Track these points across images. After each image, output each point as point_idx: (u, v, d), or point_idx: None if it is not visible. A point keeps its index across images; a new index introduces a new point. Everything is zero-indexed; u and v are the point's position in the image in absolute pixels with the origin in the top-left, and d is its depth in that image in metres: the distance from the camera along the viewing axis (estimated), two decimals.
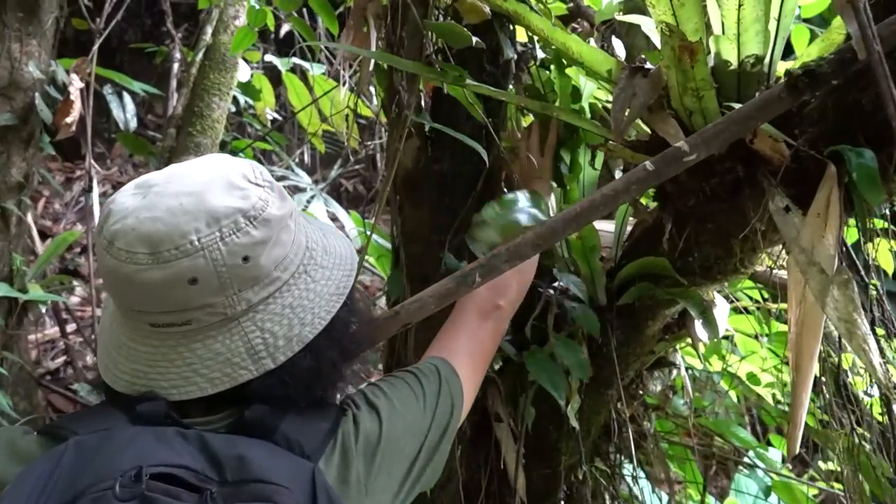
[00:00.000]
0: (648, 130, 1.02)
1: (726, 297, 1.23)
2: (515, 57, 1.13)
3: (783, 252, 1.12)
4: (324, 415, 0.67)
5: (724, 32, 0.83)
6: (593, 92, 1.10)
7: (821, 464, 1.66)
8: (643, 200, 1.11)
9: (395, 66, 1.00)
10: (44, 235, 3.19)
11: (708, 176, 0.91)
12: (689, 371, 1.42)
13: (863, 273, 0.82)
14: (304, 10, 1.65)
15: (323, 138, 2.29)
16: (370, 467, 0.66)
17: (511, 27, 1.12)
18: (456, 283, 0.83)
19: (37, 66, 1.78)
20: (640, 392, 1.37)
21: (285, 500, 0.56)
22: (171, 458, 0.56)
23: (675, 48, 0.78)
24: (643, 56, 0.90)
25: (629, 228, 1.19)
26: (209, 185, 0.63)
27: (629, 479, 1.38)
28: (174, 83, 2.49)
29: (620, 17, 1.01)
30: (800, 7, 1.13)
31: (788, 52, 0.94)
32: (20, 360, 2.08)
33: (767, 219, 0.87)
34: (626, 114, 0.87)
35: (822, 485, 1.57)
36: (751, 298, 1.39)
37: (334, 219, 2.23)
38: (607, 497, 1.31)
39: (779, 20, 0.81)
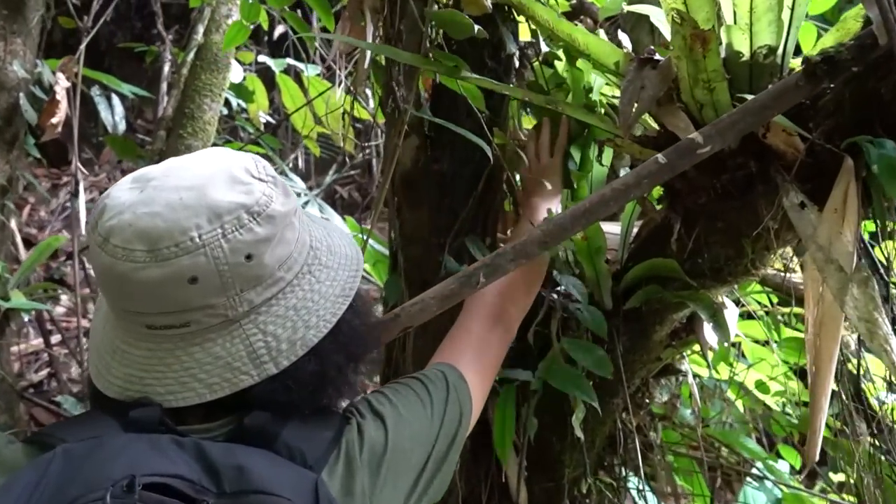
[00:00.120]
0: (656, 126, 1.00)
1: (736, 302, 1.21)
2: (517, 52, 1.11)
3: (794, 254, 1.10)
4: (327, 423, 0.65)
5: (735, 22, 0.82)
6: (599, 87, 1.09)
7: (832, 475, 1.63)
8: (650, 199, 1.09)
9: (394, 59, 0.98)
10: (29, 244, 3.14)
11: (719, 172, 0.89)
12: (696, 379, 1.39)
13: (882, 271, 0.80)
14: (299, 10, 1.63)
15: (318, 142, 2.27)
16: (375, 479, 0.64)
17: (513, 21, 1.10)
18: (459, 284, 0.80)
19: (21, 66, 1.75)
20: (647, 401, 1.34)
21: None
22: (165, 468, 0.54)
23: (686, 37, 0.76)
24: (652, 47, 0.88)
25: (635, 230, 1.17)
26: (211, 179, 0.60)
27: (634, 493, 1.35)
28: (164, 86, 2.47)
29: (628, 8, 0.99)
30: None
31: (796, 50, 0.92)
32: (1, 371, 2.02)
33: (781, 216, 0.86)
34: (635, 107, 0.85)
35: (833, 497, 1.54)
36: (759, 304, 1.37)
37: None
38: None
39: (792, 10, 0.79)
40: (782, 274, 1.19)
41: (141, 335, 0.61)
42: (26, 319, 2.67)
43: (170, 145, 1.96)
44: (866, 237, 0.82)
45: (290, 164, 2.90)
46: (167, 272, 0.58)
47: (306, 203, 2.09)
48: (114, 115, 2.18)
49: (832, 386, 0.81)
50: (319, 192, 2.79)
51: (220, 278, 0.59)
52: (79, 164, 1.98)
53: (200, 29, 2.01)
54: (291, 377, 0.62)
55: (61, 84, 1.73)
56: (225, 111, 2.31)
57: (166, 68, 2.57)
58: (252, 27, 1.55)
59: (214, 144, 2.14)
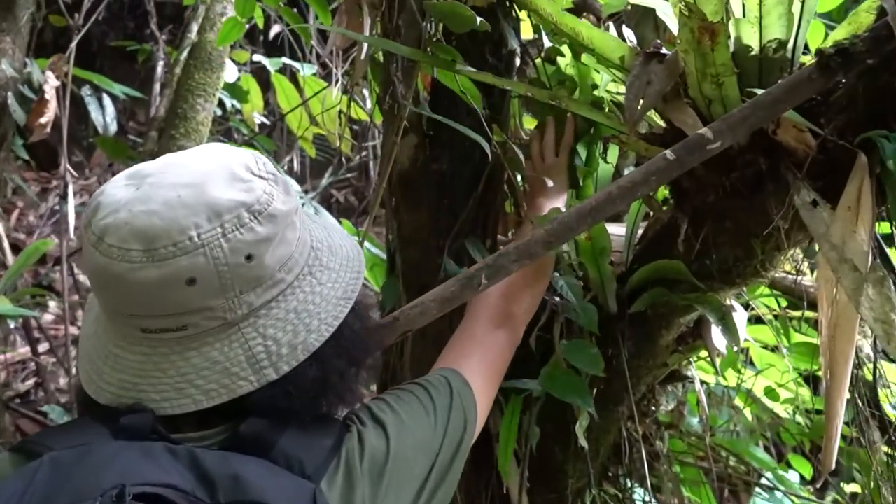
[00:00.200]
0: (662, 123, 0.99)
1: (744, 306, 1.19)
2: (519, 48, 1.10)
3: (804, 257, 1.09)
4: (326, 431, 0.63)
5: (744, 15, 0.81)
6: (605, 83, 1.08)
7: (844, 486, 1.60)
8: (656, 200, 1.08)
9: (392, 52, 0.97)
10: (17, 249, 3.12)
11: (727, 169, 0.88)
12: (704, 386, 1.37)
13: None
14: (296, 10, 1.63)
15: (314, 144, 2.26)
16: (377, 489, 0.62)
17: (515, 16, 1.09)
18: (460, 286, 0.79)
19: (10, 64, 1.74)
20: (653, 409, 1.32)
21: None
22: (157, 477, 0.52)
23: (694, 30, 0.75)
24: (658, 41, 0.87)
25: (641, 231, 1.16)
26: (210, 176, 0.59)
27: None
28: (157, 87, 2.46)
29: (633, 1, 0.99)
30: None
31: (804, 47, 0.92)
32: None
33: (792, 215, 0.85)
34: (641, 103, 0.84)
35: None
36: (768, 308, 1.36)
37: None
38: None
39: (803, 2, 0.79)
40: (792, 277, 1.18)
41: (135, 339, 0.60)
42: (13, 327, 2.65)
43: (162, 146, 1.95)
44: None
45: (286, 167, 2.90)
46: (164, 273, 0.56)
47: (302, 206, 2.07)
48: (105, 116, 2.17)
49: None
50: (315, 195, 2.78)
51: (220, 280, 0.58)
52: (68, 166, 1.97)
53: (194, 27, 2.01)
54: (292, 383, 0.61)
55: (51, 83, 1.72)
56: (219, 111, 2.30)
57: (159, 69, 2.57)
58: (247, 25, 1.54)
59: None
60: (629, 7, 1.10)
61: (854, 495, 1.55)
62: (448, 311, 0.81)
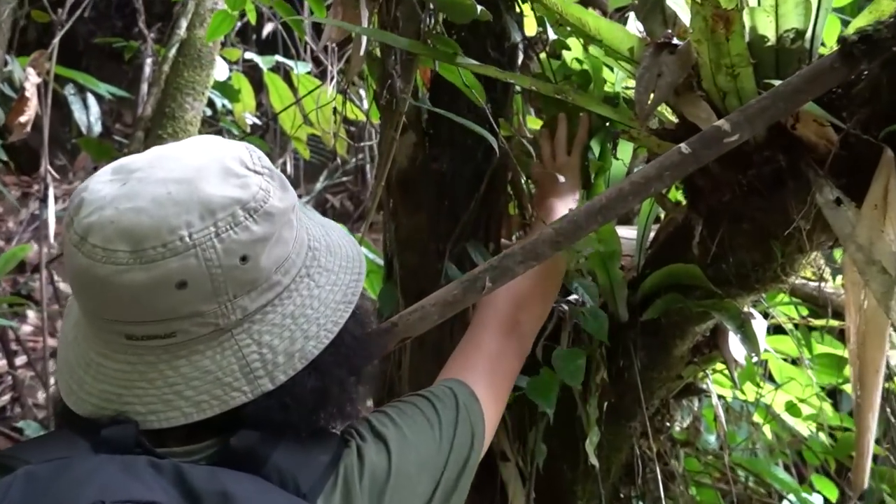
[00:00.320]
0: (674, 119, 0.99)
1: (763, 315, 1.18)
2: (522, 40, 1.10)
3: (825, 262, 1.08)
4: (323, 445, 0.62)
5: (760, 4, 0.81)
6: (622, 79, 1.08)
7: None
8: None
9: (390, 44, 0.97)
10: None
11: (744, 167, 0.87)
12: (721, 400, 1.36)
13: None
14: (291, 7, 1.64)
15: (308, 146, 2.27)
16: None
17: (518, 10, 1.10)
18: (463, 289, 0.78)
19: None
20: (667, 424, 1.31)
21: None
22: (139, 493, 0.51)
23: (707, 18, 0.75)
24: (669, 31, 0.87)
25: (652, 234, 1.15)
26: (202, 170, 0.58)
27: None
28: (145, 87, 2.47)
29: None
30: None
31: None
32: None
33: (814, 215, 0.84)
34: (651, 96, 0.84)
35: None
36: (788, 317, 1.34)
37: None
38: None
39: None
40: (814, 283, 1.17)
41: (120, 347, 0.59)
42: None
43: (148, 147, 1.95)
44: None
45: (279, 169, 2.89)
46: (153, 276, 0.55)
47: None
48: (89, 117, 2.17)
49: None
50: (309, 199, 2.78)
51: (212, 282, 0.56)
52: (49, 168, 1.97)
53: (183, 23, 2.02)
54: (289, 394, 0.60)
55: (31, 80, 1.72)
56: (209, 112, 2.31)
57: (147, 68, 2.58)
58: (238, 18, 1.55)
59: None
60: (636, 0, 1.10)
61: None
62: (449, 316, 0.80)
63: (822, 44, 0.87)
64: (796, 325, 1.34)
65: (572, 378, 0.99)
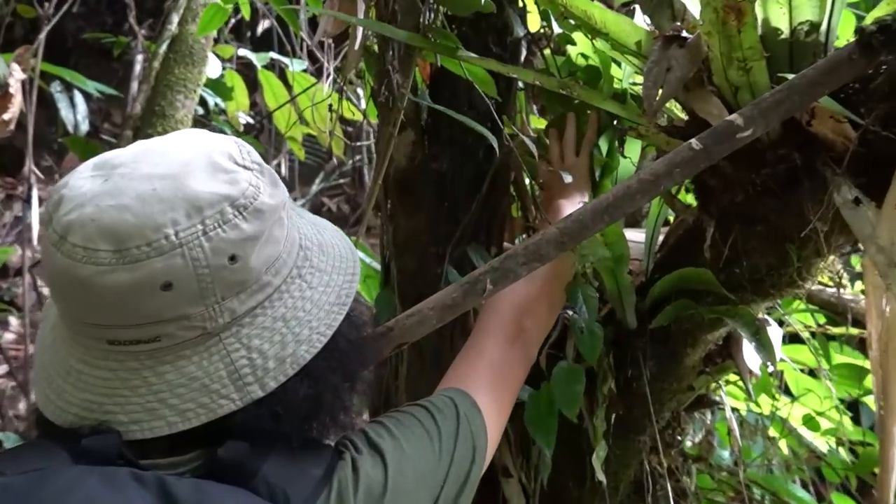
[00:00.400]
0: (683, 115, 0.98)
1: (778, 323, 1.17)
2: (525, 34, 1.10)
3: (843, 267, 1.08)
4: (316, 458, 0.61)
5: None
6: (630, 75, 1.08)
7: None
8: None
9: (389, 38, 0.97)
10: None
11: (757, 166, 0.87)
12: (735, 413, 1.35)
13: None
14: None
15: (304, 146, 2.27)
16: None
17: (521, 4, 1.10)
18: (463, 292, 0.77)
19: None
20: (678, 439, 1.29)
21: None
22: None
23: (718, 10, 0.75)
24: (678, 24, 0.87)
25: (662, 237, 1.14)
26: (189, 165, 0.58)
27: None
28: (135, 85, 2.48)
29: None
30: None
31: None
32: None
33: (832, 216, 0.83)
34: (660, 91, 0.84)
35: None
36: (805, 325, 1.33)
37: None
38: None
39: None
40: (831, 289, 1.16)
41: (101, 353, 0.58)
42: None
43: None
44: None
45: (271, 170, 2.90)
46: (137, 277, 0.55)
47: None
48: (76, 115, 2.18)
49: None
50: (305, 202, 2.79)
51: (199, 284, 0.56)
52: (34, 169, 1.97)
53: (175, 18, 2.03)
54: (280, 401, 0.59)
55: (16, 76, 1.73)
56: (200, 110, 2.32)
57: (138, 66, 2.59)
58: (232, 14, 1.55)
59: None
60: None
61: None
62: (449, 320, 0.79)
63: (837, 38, 0.87)
64: (813, 334, 1.33)
65: (568, 405, 0.98)
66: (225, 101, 2.37)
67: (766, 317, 1.06)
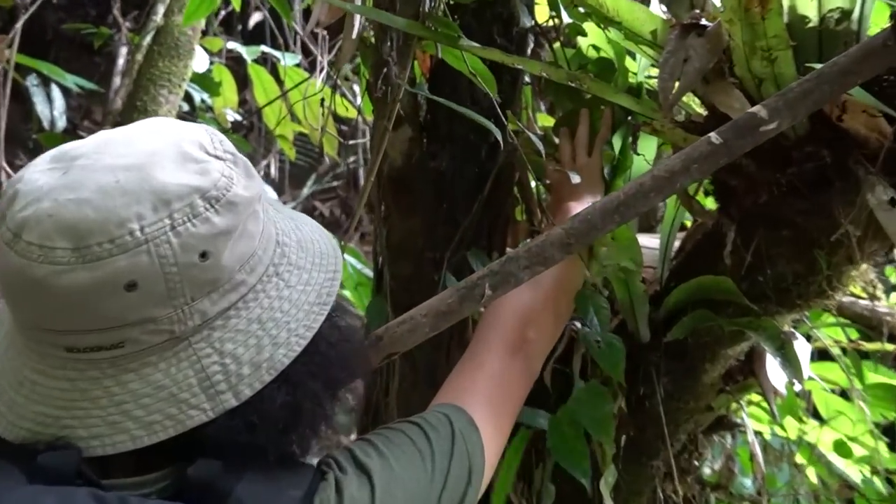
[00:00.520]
0: (702, 111, 0.97)
1: (805, 338, 1.16)
2: (532, 24, 1.10)
3: (877, 276, 1.06)
4: (295, 477, 0.60)
5: None
6: (645, 67, 1.07)
7: None
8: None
9: (386, 25, 0.97)
10: None
11: (783, 164, 0.86)
12: (758, 437, 1.32)
13: None
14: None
15: (295, 145, 2.27)
16: None
17: None
18: (459, 298, 0.76)
19: None
20: (695, 464, 1.27)
21: None
22: None
23: None
24: (697, 11, 0.86)
25: (678, 242, 1.13)
26: (156, 155, 0.56)
27: None
28: (118, 79, 2.49)
29: None
30: None
31: None
32: None
33: (865, 219, 0.82)
34: (677, 84, 0.83)
35: None
36: (835, 340, 1.31)
37: None
38: None
39: None
40: (864, 301, 1.15)
41: (58, 361, 0.57)
42: None
43: None
44: None
45: (262, 172, 2.92)
46: (98, 276, 0.53)
47: None
48: (52, 110, 2.18)
49: None
50: (296, 205, 2.78)
51: (166, 283, 0.55)
52: (6, 167, 1.97)
53: (161, 8, 2.04)
54: (256, 411, 0.58)
55: None
56: (186, 107, 2.32)
57: (121, 60, 2.61)
58: (221, 4, 1.56)
59: None
60: None
61: None
62: (443, 328, 0.78)
63: (870, 27, 0.86)
64: (845, 350, 1.31)
65: (598, 429, 0.96)
66: (212, 96, 2.37)
67: (793, 330, 1.05)
